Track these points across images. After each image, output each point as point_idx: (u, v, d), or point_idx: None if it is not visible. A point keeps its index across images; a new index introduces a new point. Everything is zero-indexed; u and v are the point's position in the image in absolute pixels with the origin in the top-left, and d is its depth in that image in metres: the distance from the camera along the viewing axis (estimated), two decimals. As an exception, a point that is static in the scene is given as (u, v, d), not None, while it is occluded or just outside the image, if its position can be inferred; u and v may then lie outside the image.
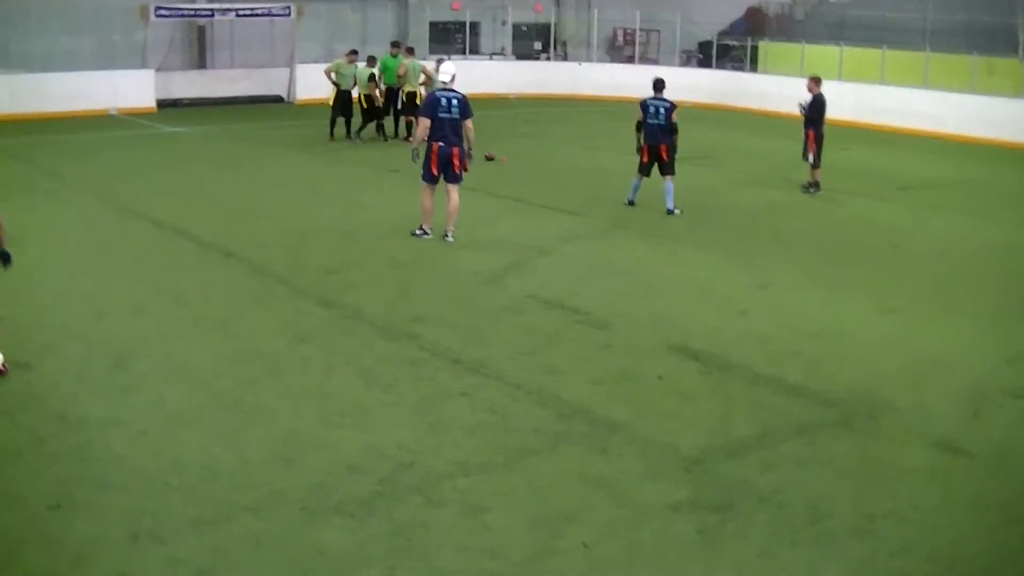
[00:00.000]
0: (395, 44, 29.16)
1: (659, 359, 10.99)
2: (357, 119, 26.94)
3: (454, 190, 16.01)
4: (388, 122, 27.49)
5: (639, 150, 18.89)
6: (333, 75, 26.77)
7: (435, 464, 8.42)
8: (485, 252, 15.57)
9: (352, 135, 26.84)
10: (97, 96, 32.70)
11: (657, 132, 18.61)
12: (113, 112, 32.77)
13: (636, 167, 19.06)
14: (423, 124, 15.90)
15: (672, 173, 18.64)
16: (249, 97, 36.15)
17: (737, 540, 7.39)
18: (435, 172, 15.91)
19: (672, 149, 18.64)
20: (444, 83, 16.21)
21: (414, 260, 15.10)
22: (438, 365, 10.73)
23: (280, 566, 6.95)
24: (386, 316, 12.41)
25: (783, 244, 16.90)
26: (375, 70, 26.98)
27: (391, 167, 22.41)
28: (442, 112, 15.73)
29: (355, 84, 26.87)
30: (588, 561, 7.06)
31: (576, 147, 27.75)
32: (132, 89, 33.70)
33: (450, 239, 16.00)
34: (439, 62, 27.19)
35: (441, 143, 15.74)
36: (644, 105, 18.82)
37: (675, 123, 18.66)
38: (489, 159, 23.46)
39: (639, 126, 18.87)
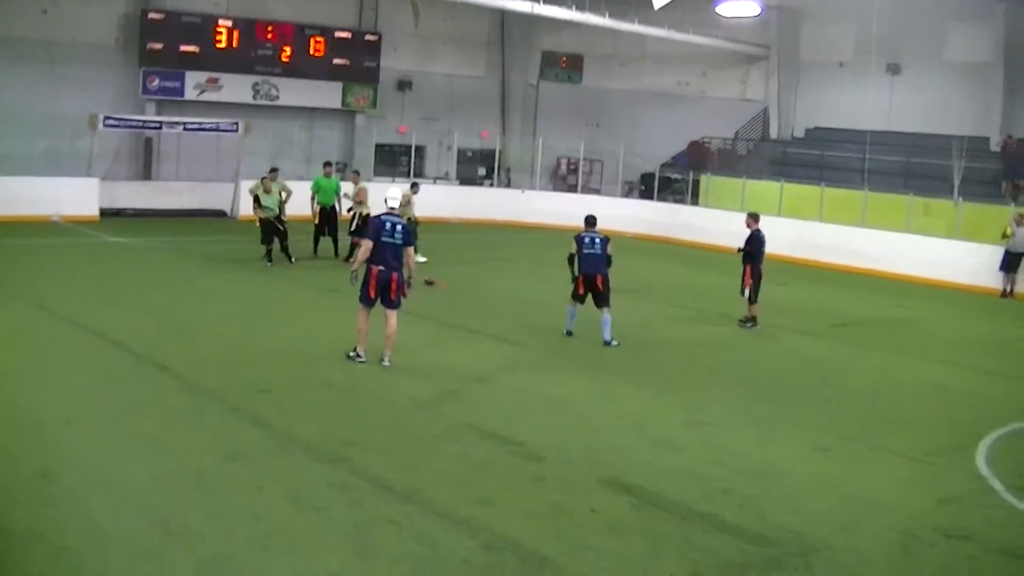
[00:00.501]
0: (327, 164, 29.56)
1: (591, 493, 10.93)
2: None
3: (392, 315, 15.98)
4: (325, 242, 27.70)
5: (574, 280, 19.01)
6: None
7: (362, 593, 8.35)
8: (422, 378, 15.52)
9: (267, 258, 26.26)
10: (41, 202, 32.62)
11: (594, 261, 18.78)
12: (56, 219, 32.67)
13: (570, 294, 19.19)
14: (366, 246, 15.89)
15: (608, 304, 18.76)
16: (193, 210, 36.11)
17: None
18: (372, 295, 15.85)
19: (607, 281, 18.80)
20: (391, 208, 16.28)
21: (350, 383, 15.05)
22: (369, 491, 10.64)
23: None
24: (319, 439, 12.32)
25: (719, 380, 16.99)
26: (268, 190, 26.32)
27: (330, 288, 22.39)
28: (385, 236, 15.77)
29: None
30: None
31: (517, 275, 27.90)
32: (76, 197, 33.68)
33: (387, 364, 15.95)
34: (413, 187, 27.70)
35: (381, 267, 15.72)
36: (580, 238, 19.00)
37: (610, 255, 18.90)
38: (429, 283, 23.54)
39: (571, 259, 19.03)
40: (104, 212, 34.19)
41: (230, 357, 16.26)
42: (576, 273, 18.95)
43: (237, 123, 37.49)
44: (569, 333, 19.15)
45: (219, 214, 36.98)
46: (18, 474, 10.58)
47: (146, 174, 39.13)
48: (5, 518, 9.37)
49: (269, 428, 12.65)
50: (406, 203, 27.88)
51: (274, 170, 27.56)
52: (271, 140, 40.25)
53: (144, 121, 37.36)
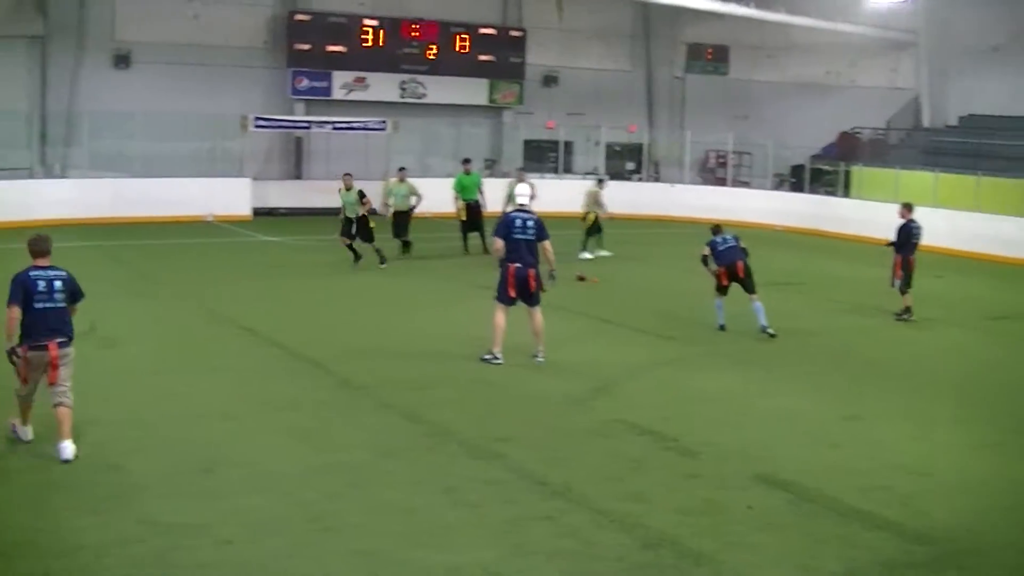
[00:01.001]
0: (466, 160, 30.32)
1: (747, 490, 10.80)
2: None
3: (536, 311, 15.94)
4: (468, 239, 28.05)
5: (716, 274, 18.97)
6: (391, 199, 27.44)
7: (517, 589, 8.34)
8: (573, 373, 15.50)
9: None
10: (195, 202, 33.46)
11: (731, 252, 18.84)
12: (210, 219, 33.38)
13: (714, 288, 19.10)
14: (497, 244, 15.93)
15: (755, 291, 18.63)
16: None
17: None
18: (512, 294, 15.79)
19: (749, 269, 18.74)
20: (520, 205, 16.31)
21: (502, 379, 15.07)
22: (523, 486, 10.66)
23: None
24: (473, 434, 12.37)
25: (873, 373, 16.65)
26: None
27: (481, 284, 22.42)
28: (517, 233, 15.73)
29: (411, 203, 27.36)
30: None
31: (667, 269, 27.72)
32: (229, 197, 34.42)
33: (541, 359, 15.92)
34: (600, 182, 27.97)
35: (518, 264, 15.66)
36: (712, 242, 19.10)
37: (744, 248, 18.98)
38: (581, 279, 23.58)
39: (704, 260, 19.15)
40: (256, 211, 34.81)
41: (383, 354, 16.41)
42: (715, 267, 18.91)
43: (385, 122, 37.89)
44: (722, 327, 18.98)
45: (369, 212, 37.26)
46: (182, 468, 10.85)
47: (296, 173, 39.77)
48: (170, 511, 9.59)
49: (423, 424, 12.74)
50: (593, 201, 28.13)
51: (402, 169, 27.94)
52: (419, 138, 40.65)
53: (293, 121, 38.01)
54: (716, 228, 19.47)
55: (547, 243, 16.00)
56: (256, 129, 36.06)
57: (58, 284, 11.23)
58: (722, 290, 18.92)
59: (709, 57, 48.24)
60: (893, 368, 17.22)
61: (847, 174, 40.38)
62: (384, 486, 10.52)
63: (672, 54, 47.86)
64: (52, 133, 35.26)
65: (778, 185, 43.91)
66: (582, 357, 16.72)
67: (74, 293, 11.40)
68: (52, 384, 11.14)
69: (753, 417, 13.74)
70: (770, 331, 18.39)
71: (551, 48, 44.49)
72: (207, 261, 25.83)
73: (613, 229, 30.03)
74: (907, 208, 21.26)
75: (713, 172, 46.10)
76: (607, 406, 13.89)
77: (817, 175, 42.10)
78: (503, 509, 9.99)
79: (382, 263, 25.47)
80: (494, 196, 28.52)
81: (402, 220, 27.49)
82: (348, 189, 25.85)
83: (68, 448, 10.84)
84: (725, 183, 43.73)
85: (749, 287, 18.68)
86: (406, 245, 27.54)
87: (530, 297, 15.87)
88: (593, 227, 28.64)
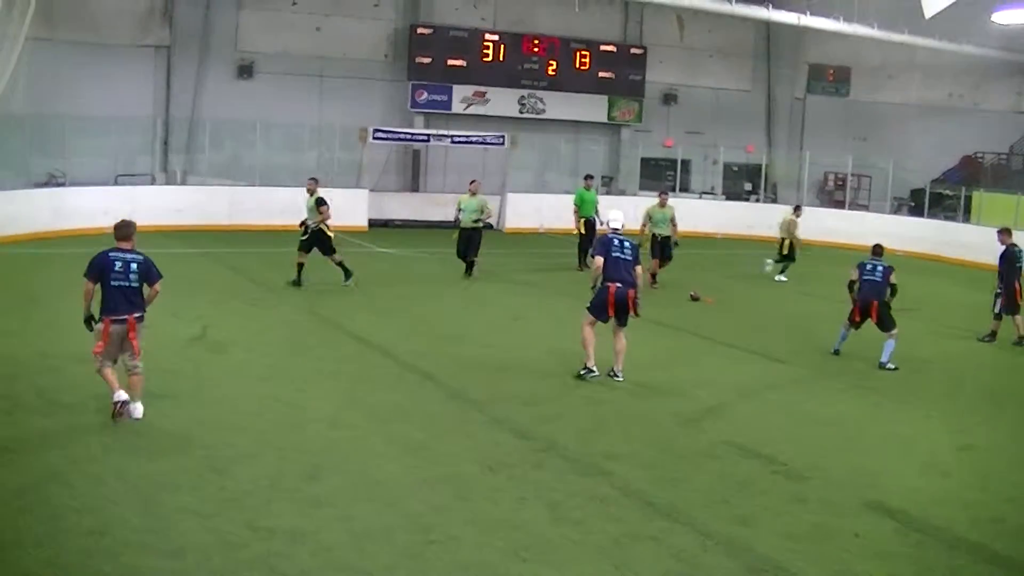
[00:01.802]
0: (588, 177, 30.14)
1: (856, 516, 10.63)
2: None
3: (623, 331, 15.99)
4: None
5: (854, 303, 18.65)
6: (460, 213, 26.28)
7: (619, 609, 8.29)
8: (684, 393, 15.43)
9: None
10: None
11: (872, 288, 18.38)
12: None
13: (847, 316, 18.81)
14: (597, 262, 16.02)
15: (892, 328, 18.30)
16: (459, 222, 36.70)
17: None
18: (611, 312, 15.81)
19: (885, 308, 18.35)
20: (615, 229, 16.28)
21: (610, 396, 15.02)
22: (629, 505, 10.60)
23: None
24: (580, 451, 12.33)
25: (989, 402, 16.34)
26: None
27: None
28: (615, 251, 15.83)
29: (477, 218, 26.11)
30: None
31: (783, 291, 27.48)
32: (346, 207, 34.55)
33: (620, 378, 15.85)
34: (796, 209, 28.92)
35: (619, 284, 15.71)
36: (861, 265, 18.71)
37: (894, 284, 18.47)
38: (695, 299, 23.48)
39: (851, 286, 18.73)
40: (372, 222, 35.08)
41: (494, 368, 16.45)
42: (854, 299, 18.62)
43: (503, 136, 38.04)
44: (836, 352, 18.77)
45: (486, 227, 37.34)
46: (286, 473, 10.95)
47: (414, 186, 40.07)
48: (272, 516, 9.69)
49: (531, 439, 12.70)
50: (788, 227, 28.22)
51: (473, 182, 27.27)
52: (537, 153, 40.86)
53: (412, 134, 38.29)
54: (877, 249, 19.01)
55: (639, 268, 16.16)
56: (375, 141, 36.42)
57: (133, 266, 12.44)
58: (854, 323, 18.70)
59: (831, 78, 47.79)
60: (1006, 396, 16.94)
61: (968, 199, 39.74)
62: (489, 500, 10.52)
63: (793, 74, 47.50)
64: (174, 140, 35.99)
65: (897, 209, 43.38)
66: (692, 377, 16.63)
67: (149, 275, 12.51)
68: (130, 354, 12.43)
69: (864, 443, 13.53)
70: (889, 366, 18.05)
71: (671, 66, 44.44)
72: (321, 270, 26.02)
73: (728, 249, 29.93)
74: (1006, 233, 21.07)
75: (831, 194, 45.68)
76: (716, 427, 13.78)
77: (937, 199, 41.52)
78: (608, 527, 9.93)
79: (347, 280, 23.80)
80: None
81: (468, 238, 26.24)
82: (311, 194, 24.00)
83: (138, 408, 12.39)
84: (843, 206, 43.28)
85: (883, 327, 18.38)
86: (469, 266, 26.30)
87: (624, 317, 15.91)
88: (789, 253, 29.03)
